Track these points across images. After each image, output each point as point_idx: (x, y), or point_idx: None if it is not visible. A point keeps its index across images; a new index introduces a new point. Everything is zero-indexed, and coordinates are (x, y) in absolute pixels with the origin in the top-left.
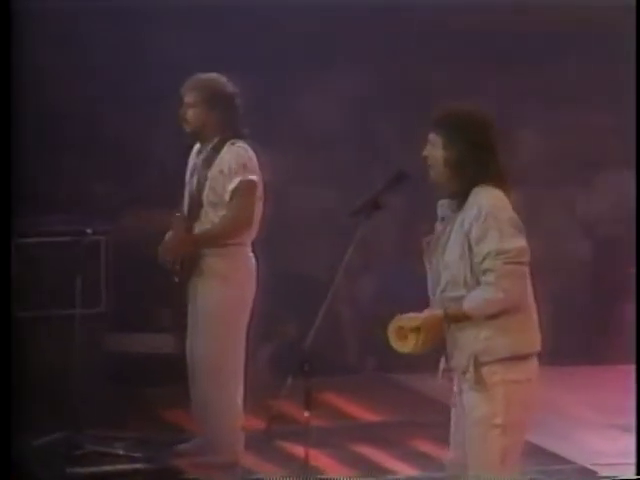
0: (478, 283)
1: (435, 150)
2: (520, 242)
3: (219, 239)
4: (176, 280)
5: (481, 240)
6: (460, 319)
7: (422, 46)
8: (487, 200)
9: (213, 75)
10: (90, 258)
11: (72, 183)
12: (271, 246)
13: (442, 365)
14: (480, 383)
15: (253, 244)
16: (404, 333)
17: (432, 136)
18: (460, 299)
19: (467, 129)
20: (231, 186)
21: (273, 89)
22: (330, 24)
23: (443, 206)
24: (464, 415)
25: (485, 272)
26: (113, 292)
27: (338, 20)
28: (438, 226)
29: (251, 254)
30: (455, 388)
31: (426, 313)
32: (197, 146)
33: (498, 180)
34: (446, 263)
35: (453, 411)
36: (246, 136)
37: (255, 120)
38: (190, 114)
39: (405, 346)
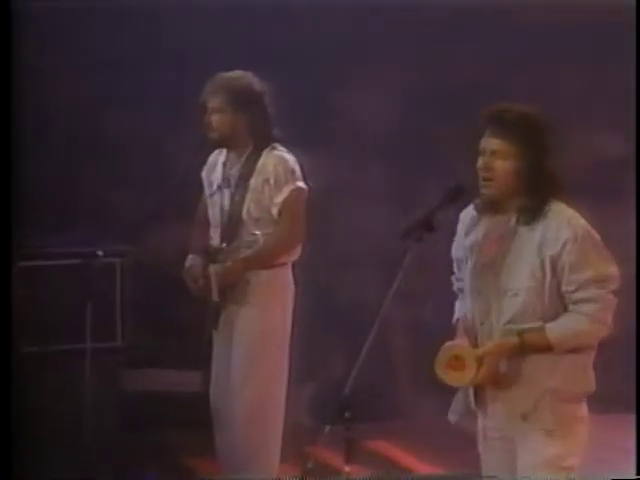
0: (557, 313)
1: (500, 159)
2: (616, 269)
3: (270, 259)
4: (215, 298)
5: (577, 266)
6: (538, 350)
7: (476, 44)
8: (577, 220)
9: (238, 73)
10: (103, 283)
11: (80, 195)
12: (311, 269)
13: (472, 402)
14: (552, 423)
15: (293, 266)
16: (461, 363)
17: (494, 143)
18: (536, 330)
19: (540, 133)
20: (281, 197)
21: (307, 87)
22: (377, 19)
23: (467, 220)
24: (511, 459)
25: (579, 302)
26: (130, 323)
27: (386, 15)
28: (490, 246)
29: (291, 276)
30: (493, 432)
31: (495, 341)
32: (221, 156)
33: (565, 193)
34: (510, 289)
35: (488, 456)
36: (281, 139)
37: (288, 123)
38: (216, 120)
39: (460, 379)
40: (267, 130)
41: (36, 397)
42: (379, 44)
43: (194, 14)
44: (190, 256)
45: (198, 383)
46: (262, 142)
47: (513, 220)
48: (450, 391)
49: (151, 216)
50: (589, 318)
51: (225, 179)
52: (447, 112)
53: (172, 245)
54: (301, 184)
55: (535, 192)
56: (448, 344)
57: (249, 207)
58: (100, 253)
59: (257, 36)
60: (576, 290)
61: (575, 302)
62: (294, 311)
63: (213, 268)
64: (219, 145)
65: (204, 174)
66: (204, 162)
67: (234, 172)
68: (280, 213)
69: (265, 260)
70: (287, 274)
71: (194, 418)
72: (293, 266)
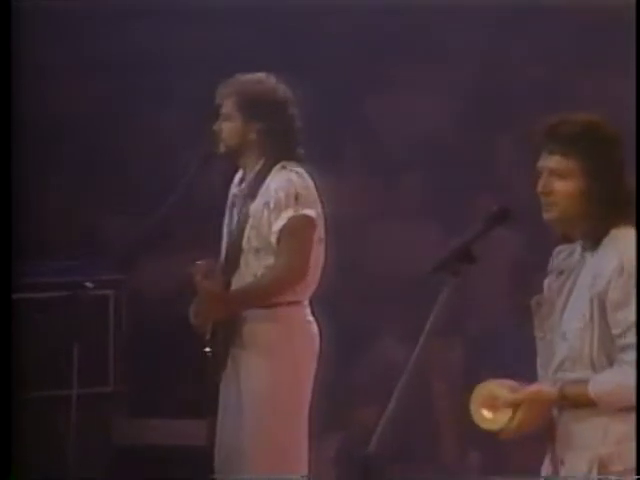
0: (610, 363)
1: (561, 179)
2: None
3: (265, 297)
4: (209, 353)
5: (623, 305)
6: (580, 405)
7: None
8: (630, 249)
9: (257, 76)
10: (93, 319)
11: (70, 217)
12: (337, 305)
13: (546, 467)
14: None
15: (312, 303)
16: (496, 404)
17: (552, 160)
18: (578, 382)
19: (607, 146)
20: (278, 224)
21: (339, 95)
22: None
23: (561, 255)
24: None
25: (626, 349)
26: (124, 365)
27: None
28: (553, 282)
29: (310, 317)
30: None
31: (534, 387)
32: (239, 173)
33: (635, 217)
34: (564, 332)
35: None
36: (302, 158)
37: (318, 137)
38: (225, 129)
39: (494, 422)
40: (285, 146)
41: (17, 450)
42: (413, 43)
43: (206, 14)
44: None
45: (202, 436)
46: (273, 158)
47: (579, 249)
48: (498, 447)
49: (149, 240)
50: (635, 369)
51: (233, 199)
52: (500, 118)
53: (174, 274)
54: (306, 211)
55: (603, 215)
56: (487, 382)
57: (249, 235)
58: (89, 284)
59: (273, 38)
60: (622, 334)
61: (622, 349)
62: (320, 355)
63: (195, 303)
64: (227, 159)
65: (230, 193)
66: (217, 180)
67: (239, 192)
68: (278, 241)
69: (257, 297)
70: (300, 314)
71: (197, 474)
72: (312, 303)
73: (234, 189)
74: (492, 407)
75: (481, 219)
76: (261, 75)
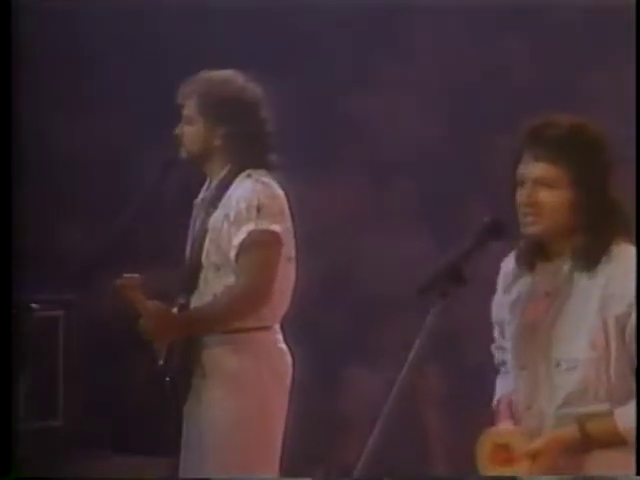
0: (631, 392)
1: (547, 189)
2: None
3: (223, 320)
4: (166, 379)
5: None
6: (609, 444)
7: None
8: None
9: (223, 74)
10: (40, 344)
11: (14, 226)
12: (315, 329)
13: None
14: None
15: (284, 328)
16: (509, 456)
17: (538, 168)
18: (599, 417)
19: (600, 155)
20: (238, 238)
21: (322, 95)
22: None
23: (541, 272)
24: None
25: None
26: (75, 396)
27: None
28: (536, 304)
29: (282, 343)
30: None
31: (552, 432)
32: (207, 181)
33: (632, 229)
34: (564, 361)
35: None
36: (273, 165)
37: (297, 141)
38: (187, 133)
39: (511, 472)
40: (252, 152)
41: None
42: (403, 40)
43: (198, 14)
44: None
45: (164, 474)
46: (239, 165)
47: (567, 267)
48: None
49: (106, 254)
50: None
51: (197, 209)
52: (499, 120)
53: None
54: (271, 225)
55: (596, 229)
56: (493, 429)
57: (208, 249)
58: (35, 305)
59: (253, 35)
60: None
61: None
62: (292, 386)
63: (141, 323)
64: (190, 165)
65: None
66: (184, 186)
67: (202, 202)
68: (237, 259)
69: (217, 320)
70: (268, 340)
71: None
72: (284, 328)
73: (198, 198)
74: (506, 460)
75: (472, 233)
76: (228, 73)
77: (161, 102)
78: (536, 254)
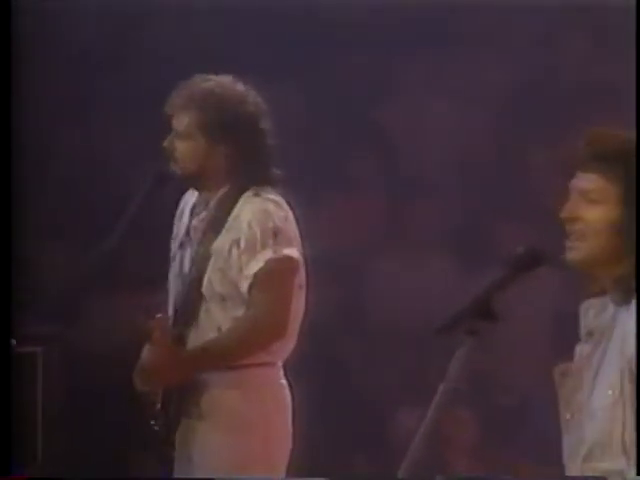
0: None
1: (597, 205)
2: None
3: (232, 357)
4: (155, 427)
5: None
6: None
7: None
8: None
9: (222, 82)
10: (17, 384)
11: None
12: (321, 365)
13: None
14: None
15: (285, 365)
16: None
17: (591, 179)
18: (619, 475)
19: None
20: (253, 268)
21: (336, 103)
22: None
23: (591, 312)
24: None
25: None
26: (55, 437)
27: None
28: (583, 347)
29: (283, 379)
30: None
31: None
32: (193, 197)
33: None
34: (594, 411)
35: None
36: (277, 181)
37: (299, 155)
38: (182, 149)
39: None
40: (256, 168)
41: None
42: (430, 40)
43: (201, 15)
44: (147, 346)
45: None
46: (242, 182)
47: (611, 304)
48: None
49: (90, 281)
50: None
51: (188, 233)
52: (535, 133)
53: (122, 324)
54: (287, 251)
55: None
56: None
57: (212, 278)
58: (13, 342)
59: (261, 37)
60: None
61: None
62: (294, 428)
63: (145, 352)
64: (185, 182)
65: (175, 221)
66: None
67: (199, 223)
68: (251, 290)
69: (226, 357)
70: (273, 377)
71: None
72: (285, 366)
73: (187, 220)
74: None
75: (504, 264)
76: (226, 81)
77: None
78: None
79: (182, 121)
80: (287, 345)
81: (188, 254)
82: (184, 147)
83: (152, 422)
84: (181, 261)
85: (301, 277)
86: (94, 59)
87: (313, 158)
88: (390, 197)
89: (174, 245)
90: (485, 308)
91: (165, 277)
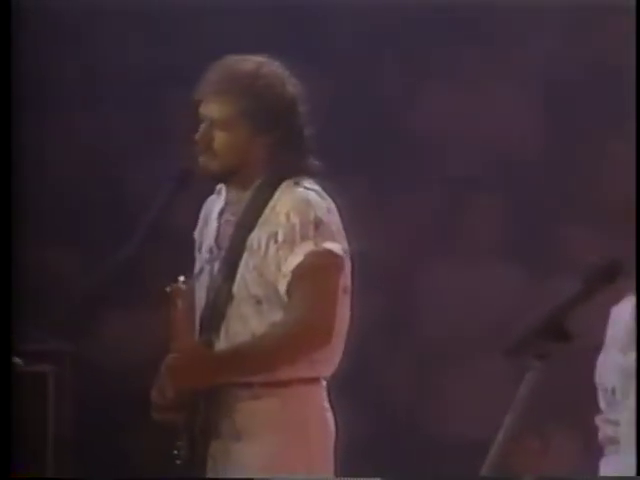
0: None
1: None
2: None
3: (269, 363)
4: (179, 451)
5: None
6: None
7: None
8: None
9: (259, 60)
10: (26, 408)
11: None
12: (364, 384)
13: None
14: None
15: (329, 386)
16: None
17: None
18: None
19: None
20: (291, 263)
21: (378, 92)
22: None
23: None
24: None
25: None
26: (66, 461)
27: None
28: None
29: (326, 402)
30: None
31: None
32: (219, 202)
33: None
34: None
35: None
36: (316, 171)
37: (346, 146)
38: (222, 140)
39: None
40: (296, 156)
41: None
42: (481, 25)
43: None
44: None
45: None
46: (279, 172)
47: None
48: None
49: (105, 292)
50: None
51: (219, 230)
52: (606, 125)
53: (136, 343)
54: (330, 244)
55: None
56: None
57: (245, 278)
58: (18, 360)
59: (291, 28)
60: None
61: None
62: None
63: (164, 369)
64: (217, 179)
65: (196, 233)
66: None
67: (232, 217)
68: (289, 289)
69: (262, 361)
70: (317, 397)
71: None
72: (329, 387)
73: (211, 224)
74: None
75: (579, 276)
76: (265, 61)
77: (168, 107)
78: None
79: (220, 108)
80: (332, 357)
81: (216, 253)
82: (224, 137)
83: (175, 452)
84: (211, 271)
85: (346, 278)
86: (98, 59)
87: (354, 150)
88: (442, 195)
89: (200, 257)
90: (557, 328)
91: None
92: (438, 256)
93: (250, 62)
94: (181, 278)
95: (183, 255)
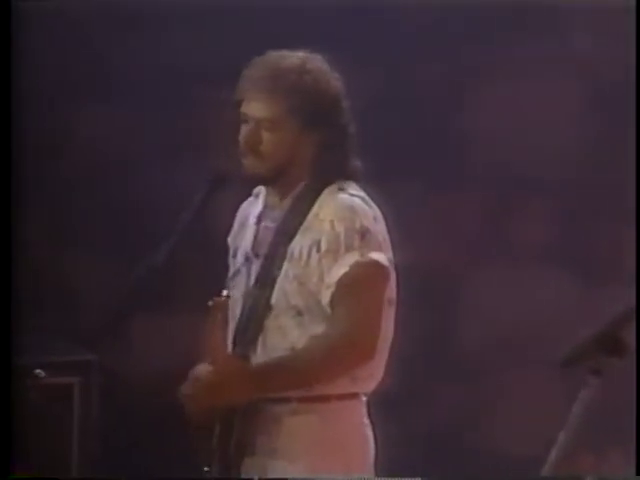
0: None
1: None
2: None
3: (309, 378)
4: (207, 469)
5: None
6: None
7: None
8: None
9: (304, 55)
10: (50, 422)
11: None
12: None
13: None
14: None
15: (369, 400)
16: None
17: None
18: None
19: None
20: (336, 273)
21: (423, 88)
22: None
23: None
24: None
25: None
26: (94, 474)
27: None
28: None
29: (366, 419)
30: None
31: None
32: (257, 205)
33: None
34: None
35: None
36: (360, 176)
37: (386, 147)
38: (271, 141)
39: None
40: (340, 158)
41: None
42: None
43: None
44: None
45: None
46: (323, 175)
47: None
48: None
49: (135, 301)
50: None
51: (256, 237)
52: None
53: (172, 350)
54: (377, 256)
55: None
56: None
57: (284, 288)
58: (40, 372)
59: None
60: None
61: None
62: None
63: (198, 370)
64: (263, 182)
65: (230, 239)
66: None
67: (271, 223)
68: (333, 301)
69: (302, 376)
70: (357, 413)
71: None
72: (369, 403)
73: (249, 229)
74: None
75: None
76: (306, 56)
77: (172, 109)
78: None
79: (266, 107)
80: (374, 373)
81: (253, 262)
82: (272, 137)
83: (206, 468)
84: (247, 277)
85: (391, 290)
86: (99, 58)
87: (396, 151)
88: (492, 198)
89: (234, 264)
90: (612, 341)
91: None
92: (486, 263)
93: (294, 57)
94: (224, 292)
95: (213, 263)
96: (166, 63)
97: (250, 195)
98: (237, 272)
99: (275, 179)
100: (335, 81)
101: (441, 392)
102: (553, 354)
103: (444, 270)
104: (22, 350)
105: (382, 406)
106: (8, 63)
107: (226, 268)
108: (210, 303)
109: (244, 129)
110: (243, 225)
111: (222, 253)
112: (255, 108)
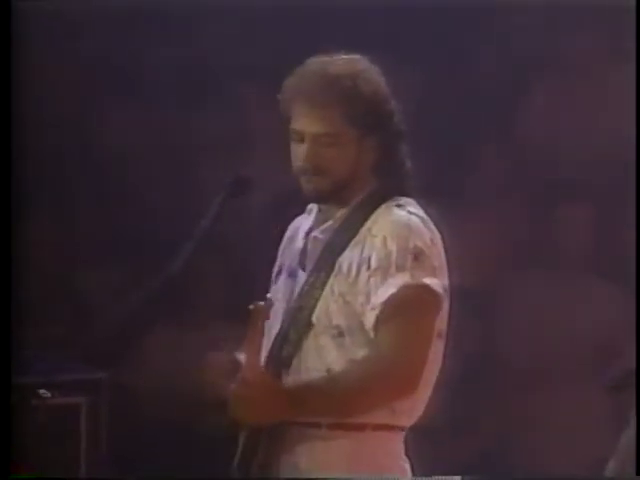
0: None
1: None
2: None
3: (346, 405)
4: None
5: None
6: None
7: None
8: None
9: (351, 59)
10: (53, 444)
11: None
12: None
13: None
14: None
15: (406, 439)
16: None
17: None
18: None
19: None
20: (383, 295)
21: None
22: None
23: None
24: None
25: None
26: None
27: None
28: None
29: (404, 456)
30: None
31: None
32: (308, 220)
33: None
34: None
35: None
36: (414, 191)
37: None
38: (332, 156)
39: None
40: (396, 171)
41: None
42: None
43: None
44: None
45: None
46: (383, 187)
47: None
48: None
49: (147, 313)
50: None
51: (304, 255)
52: None
53: (183, 370)
54: (430, 281)
55: None
56: None
57: (327, 305)
58: (44, 392)
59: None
60: None
61: None
62: None
63: (233, 392)
64: (327, 198)
65: (279, 253)
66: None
67: (321, 234)
68: (377, 324)
69: (338, 401)
70: (394, 448)
71: None
72: (406, 440)
73: (297, 243)
74: None
75: None
76: (353, 58)
77: (173, 109)
78: None
79: (324, 122)
80: (415, 407)
81: (299, 282)
82: (335, 153)
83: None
84: (291, 292)
85: (442, 321)
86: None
87: (435, 161)
88: (532, 205)
89: (277, 280)
90: None
91: (240, 311)
92: (529, 274)
93: (341, 62)
94: (268, 295)
95: (230, 274)
96: (166, 63)
97: (304, 211)
98: (279, 290)
99: (338, 193)
100: (383, 84)
101: (484, 411)
102: (598, 370)
103: (487, 285)
104: (25, 369)
105: (421, 439)
106: (8, 63)
107: (247, 281)
108: (251, 307)
109: (301, 149)
110: (292, 240)
111: (240, 263)
112: (310, 124)
